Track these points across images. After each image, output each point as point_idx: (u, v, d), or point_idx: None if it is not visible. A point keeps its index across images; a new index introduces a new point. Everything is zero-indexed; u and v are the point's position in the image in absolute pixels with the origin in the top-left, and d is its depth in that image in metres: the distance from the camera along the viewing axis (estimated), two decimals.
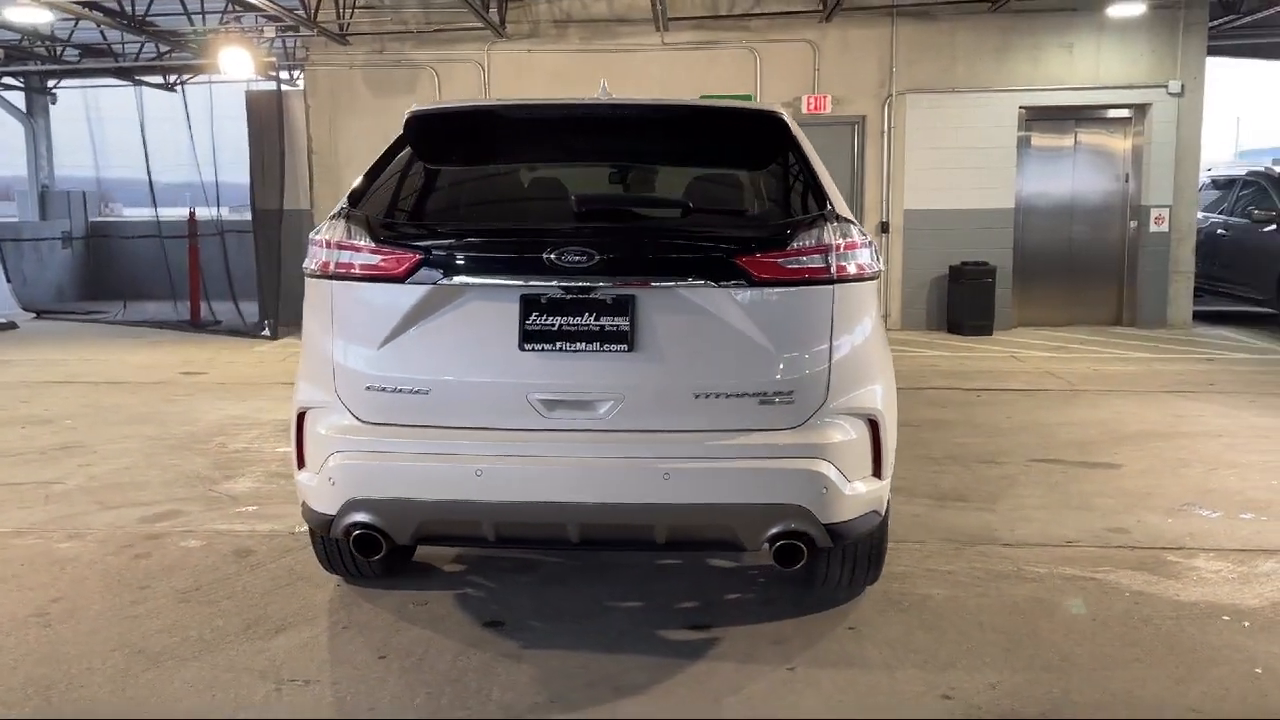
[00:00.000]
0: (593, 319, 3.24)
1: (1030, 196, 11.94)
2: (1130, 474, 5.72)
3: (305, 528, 4.53)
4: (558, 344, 3.25)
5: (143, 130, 13.55)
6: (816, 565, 3.76)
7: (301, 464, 3.49)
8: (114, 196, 20.01)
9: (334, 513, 3.35)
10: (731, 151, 3.88)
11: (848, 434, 3.28)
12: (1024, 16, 11.43)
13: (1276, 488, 5.43)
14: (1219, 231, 12.40)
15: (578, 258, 3.21)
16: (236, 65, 11.34)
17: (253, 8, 11.45)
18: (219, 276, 12.95)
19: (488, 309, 3.30)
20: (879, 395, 3.40)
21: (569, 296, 3.24)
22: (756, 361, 3.25)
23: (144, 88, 15.30)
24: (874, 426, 3.35)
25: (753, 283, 3.23)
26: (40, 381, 8.93)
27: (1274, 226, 11.42)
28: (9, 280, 14.34)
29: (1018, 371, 9.16)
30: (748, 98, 11.49)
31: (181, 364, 9.90)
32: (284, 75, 13.95)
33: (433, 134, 3.79)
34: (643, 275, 3.25)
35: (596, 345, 3.24)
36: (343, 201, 3.54)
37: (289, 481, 5.57)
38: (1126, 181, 11.93)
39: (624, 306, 3.24)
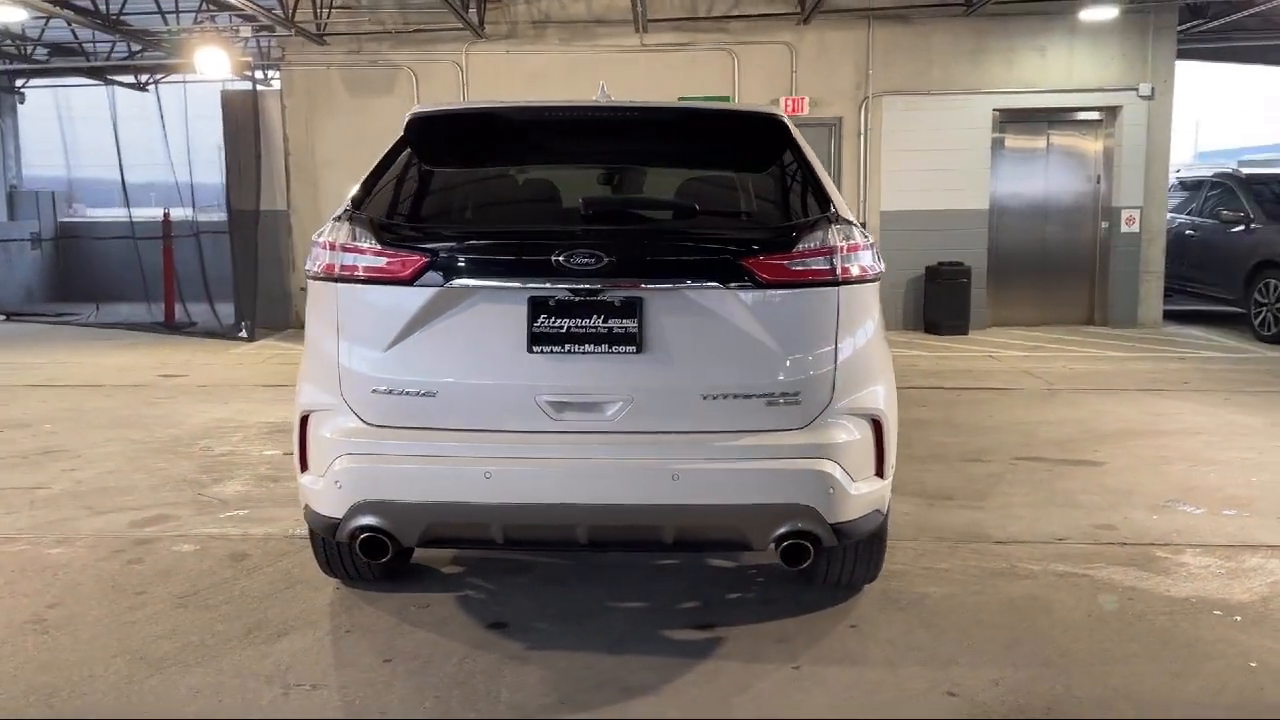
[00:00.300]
0: (601, 321, 3.26)
1: (1004, 198, 12.09)
2: (1113, 471, 5.81)
3: (300, 531, 4.52)
4: (566, 346, 3.27)
5: (115, 130, 13.37)
6: (818, 564, 3.79)
7: (305, 467, 3.47)
8: (80, 197, 19.68)
9: (340, 516, 3.34)
10: (734, 154, 3.92)
11: (852, 434, 3.33)
12: (998, 20, 11.57)
13: (1256, 484, 5.54)
14: (1187, 232, 12.60)
15: (586, 260, 3.22)
16: (212, 65, 11.23)
17: (228, 7, 11.37)
18: (193, 278, 12.83)
19: (495, 311, 3.31)
20: (881, 395, 3.44)
21: (577, 299, 3.26)
22: (763, 363, 3.28)
23: (116, 87, 15.11)
24: (877, 426, 3.39)
25: (759, 285, 3.26)
26: (16, 385, 8.80)
27: (1242, 227, 11.62)
28: None
29: (996, 371, 9.28)
30: (726, 99, 11.53)
31: (159, 366, 9.79)
32: (260, 75, 13.83)
33: (436, 135, 3.80)
34: (650, 277, 3.27)
35: (605, 347, 3.26)
36: (345, 203, 3.53)
37: (278, 485, 5.57)
38: (1098, 183, 12.11)
39: (632, 308, 3.26)
